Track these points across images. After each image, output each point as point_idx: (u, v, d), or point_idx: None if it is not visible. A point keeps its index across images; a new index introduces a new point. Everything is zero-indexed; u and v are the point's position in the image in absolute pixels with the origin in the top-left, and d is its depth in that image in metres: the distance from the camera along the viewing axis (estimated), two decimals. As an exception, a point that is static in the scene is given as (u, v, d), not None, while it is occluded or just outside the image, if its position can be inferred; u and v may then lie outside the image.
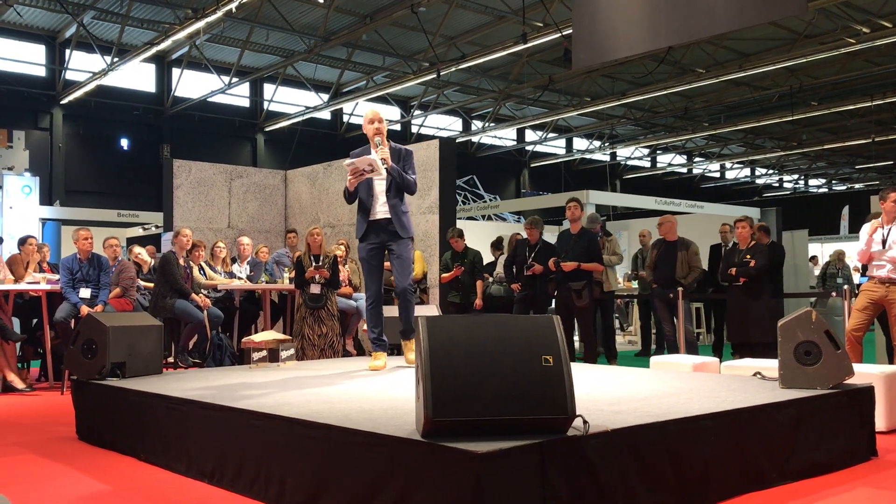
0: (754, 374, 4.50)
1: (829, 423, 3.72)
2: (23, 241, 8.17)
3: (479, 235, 12.65)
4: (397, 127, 22.54)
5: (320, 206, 10.21)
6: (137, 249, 8.98)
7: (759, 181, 33.77)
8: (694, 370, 5.26)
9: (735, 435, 3.32)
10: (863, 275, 7.32)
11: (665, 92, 18.48)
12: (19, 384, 6.92)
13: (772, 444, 3.45)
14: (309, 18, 15.60)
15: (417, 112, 22.10)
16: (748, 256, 7.41)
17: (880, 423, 4.34)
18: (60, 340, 7.19)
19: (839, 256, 13.28)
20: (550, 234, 9.79)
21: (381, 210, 5.17)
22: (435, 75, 15.81)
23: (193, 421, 3.84)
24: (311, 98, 20.29)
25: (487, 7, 14.33)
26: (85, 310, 6.84)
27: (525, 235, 8.20)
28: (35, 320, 7.93)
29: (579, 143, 27.53)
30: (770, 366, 4.52)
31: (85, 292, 7.11)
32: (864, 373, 4.45)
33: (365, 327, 8.31)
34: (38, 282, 7.42)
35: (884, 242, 5.94)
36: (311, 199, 10.39)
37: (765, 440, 3.42)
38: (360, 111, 22.32)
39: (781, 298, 8.56)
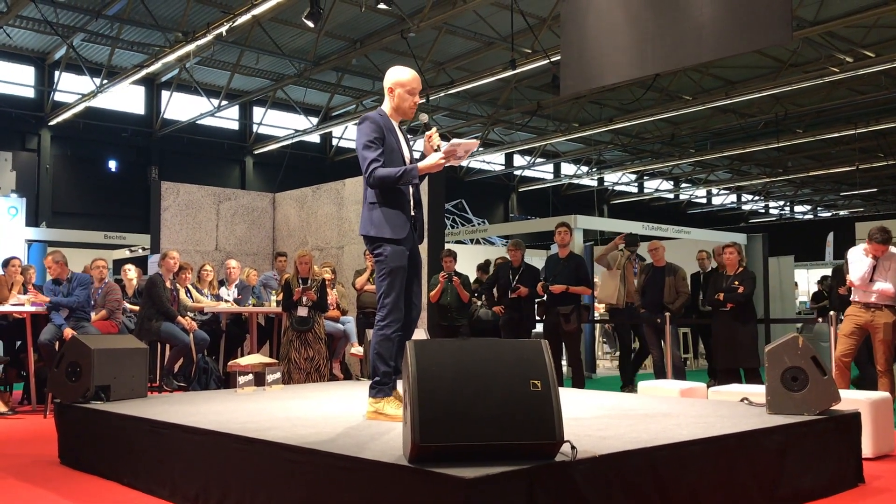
0: (741, 400, 4.51)
1: (816, 450, 3.73)
2: (6, 263, 8.11)
3: (467, 259, 12.65)
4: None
5: (308, 228, 10.19)
6: (128, 266, 8.95)
7: (746, 207, 34.02)
8: (681, 395, 5.26)
9: (723, 461, 3.31)
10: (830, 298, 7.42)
11: (652, 118, 18.65)
12: (1, 407, 6.84)
13: (759, 471, 3.44)
14: (299, 43, 15.69)
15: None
16: (736, 282, 7.44)
17: (867, 449, 4.34)
18: (44, 363, 7.12)
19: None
20: (539, 259, 9.82)
21: (413, 204, 4.15)
22: (424, 100, 15.90)
23: (178, 445, 3.80)
24: (300, 121, 20.34)
25: (477, 33, 14.46)
26: (69, 332, 6.78)
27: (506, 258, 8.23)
28: (18, 342, 7.85)
29: (567, 169, 27.69)
30: (757, 391, 4.53)
31: (65, 311, 7.05)
32: (851, 399, 4.46)
33: (353, 350, 8.32)
34: (22, 303, 7.36)
35: (871, 273, 6.01)
36: (299, 222, 10.37)
37: (752, 466, 3.42)
38: (349, 135, 22.40)
39: (755, 324, 8.38)
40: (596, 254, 8.74)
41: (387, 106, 4.17)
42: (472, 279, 9.34)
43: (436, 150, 4.05)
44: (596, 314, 12.02)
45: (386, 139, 4.04)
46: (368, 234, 4.03)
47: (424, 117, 4.22)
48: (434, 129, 4.12)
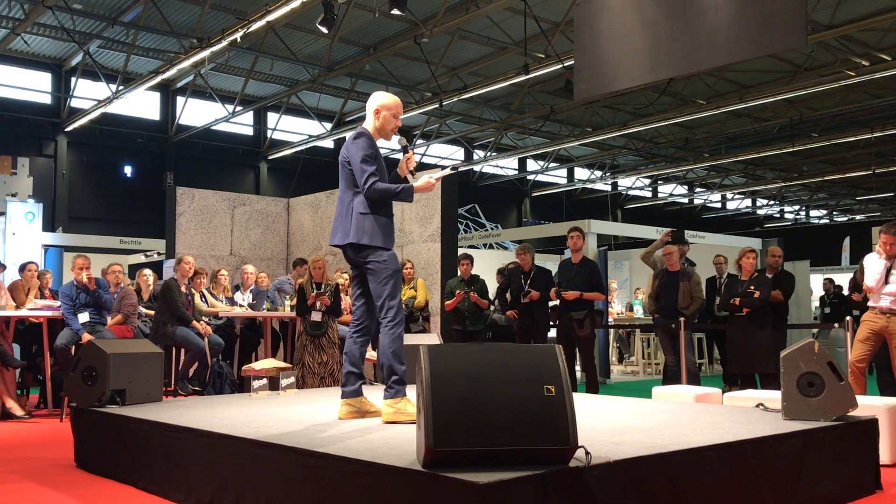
0: (757, 406, 4.48)
1: (833, 456, 3.69)
2: (23, 268, 8.19)
3: (480, 264, 12.65)
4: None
5: (322, 233, 10.22)
6: (146, 271, 9.01)
7: (761, 212, 33.83)
8: (696, 401, 5.24)
9: (738, 467, 3.29)
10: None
11: (666, 123, 18.59)
12: (18, 411, 6.89)
13: (775, 477, 3.42)
14: (313, 48, 15.76)
15: (420, 141, 22.22)
16: (752, 287, 7.39)
17: (885, 455, 4.30)
18: (60, 367, 7.18)
19: None
20: (553, 264, 9.79)
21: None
22: (437, 105, 15.93)
23: (192, 449, 3.82)
24: (314, 127, 20.42)
25: (490, 38, 14.47)
26: (86, 337, 6.82)
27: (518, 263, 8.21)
28: (35, 346, 7.91)
29: (580, 173, 27.64)
30: (773, 397, 4.50)
31: (84, 316, 7.10)
32: (868, 405, 4.42)
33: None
34: (39, 308, 7.43)
35: (886, 276, 5.95)
36: (313, 227, 10.41)
37: (768, 472, 3.40)
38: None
39: (771, 329, 7.56)
40: (641, 252, 8.62)
41: (370, 126, 4.40)
42: (492, 283, 9.33)
43: (411, 172, 4.40)
44: (610, 319, 11.97)
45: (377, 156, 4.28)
46: (360, 241, 4.19)
47: (403, 140, 4.51)
48: (412, 152, 4.42)
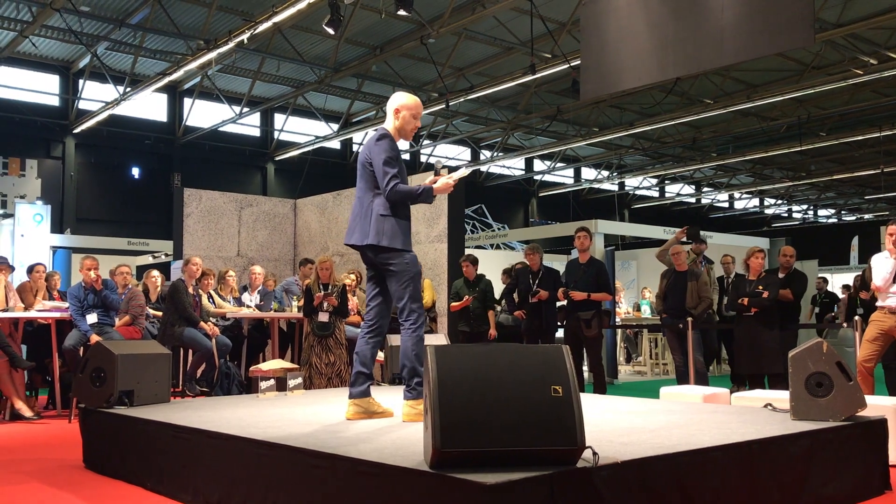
0: (765, 406, 4.46)
1: (841, 456, 3.68)
2: (31, 269, 8.22)
3: (487, 264, 12.65)
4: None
5: (329, 234, 10.24)
6: (154, 273, 9.03)
7: (768, 211, 33.72)
8: (704, 401, 5.22)
9: (746, 467, 3.28)
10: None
11: (673, 122, 18.55)
12: (27, 412, 6.92)
13: (783, 477, 3.41)
14: (319, 49, 15.78)
15: (426, 142, 22.23)
16: (760, 287, 7.36)
17: (894, 456, 4.28)
18: (68, 368, 7.20)
19: None
20: (560, 265, 9.78)
21: None
22: (444, 105, 15.93)
23: (200, 450, 3.83)
24: (321, 128, 20.45)
25: (496, 38, 14.47)
26: (94, 338, 6.84)
27: (526, 263, 8.19)
28: (43, 348, 7.93)
29: (587, 173, 27.60)
30: (781, 397, 4.48)
31: (92, 317, 7.13)
32: (877, 405, 4.39)
33: (381, 357, 8.32)
34: (47, 309, 7.45)
35: (894, 276, 5.91)
36: (320, 228, 10.43)
37: (776, 473, 3.38)
38: (369, 141, 22.42)
39: (779, 329, 7.37)
40: (657, 251, 8.56)
41: (390, 126, 4.38)
42: (497, 284, 9.31)
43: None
44: (618, 319, 11.95)
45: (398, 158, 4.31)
46: (380, 243, 4.19)
47: (439, 164, 4.68)
48: (445, 171, 4.48)
